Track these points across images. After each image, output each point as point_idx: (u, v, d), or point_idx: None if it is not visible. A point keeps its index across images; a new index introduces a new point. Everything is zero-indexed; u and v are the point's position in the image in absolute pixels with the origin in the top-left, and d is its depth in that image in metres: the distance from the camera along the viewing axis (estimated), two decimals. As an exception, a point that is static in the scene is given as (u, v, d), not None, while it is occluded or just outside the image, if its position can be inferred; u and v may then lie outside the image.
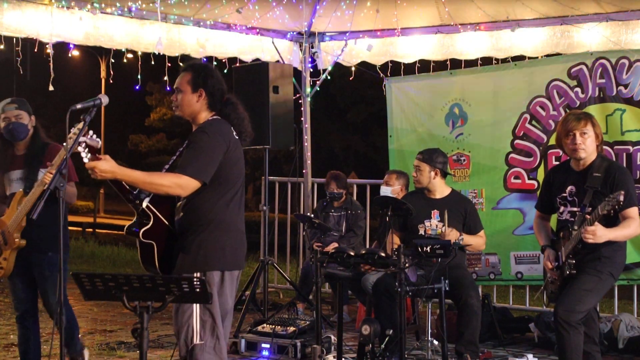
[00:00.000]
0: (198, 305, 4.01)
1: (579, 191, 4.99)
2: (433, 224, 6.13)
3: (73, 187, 5.26)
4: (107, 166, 3.88)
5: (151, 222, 4.06)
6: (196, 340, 4.02)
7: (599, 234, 4.78)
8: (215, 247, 4.10)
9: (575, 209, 5.01)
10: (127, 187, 4.04)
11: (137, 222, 4.09)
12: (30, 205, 5.01)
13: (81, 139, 3.94)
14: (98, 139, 4.01)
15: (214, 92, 4.19)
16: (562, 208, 5.10)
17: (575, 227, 4.92)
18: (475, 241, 6.15)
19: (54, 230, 4.95)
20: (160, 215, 4.10)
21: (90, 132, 3.98)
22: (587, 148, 4.96)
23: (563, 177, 5.12)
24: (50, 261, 5.23)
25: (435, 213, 6.14)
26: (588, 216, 4.81)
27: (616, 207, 4.70)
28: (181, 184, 3.98)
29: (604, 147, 6.81)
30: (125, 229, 4.11)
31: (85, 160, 3.91)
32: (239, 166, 4.21)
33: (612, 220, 4.88)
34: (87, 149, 3.94)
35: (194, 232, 4.09)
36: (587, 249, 4.88)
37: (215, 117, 4.21)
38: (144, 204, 4.05)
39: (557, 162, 7.13)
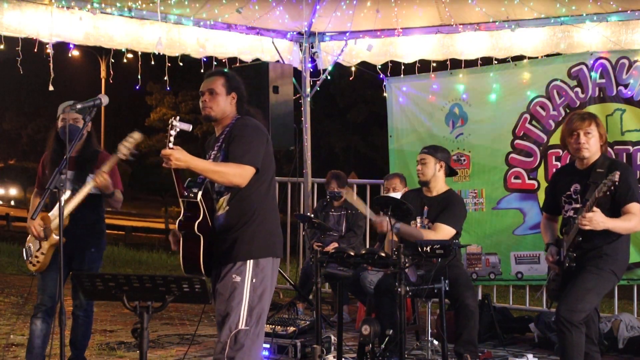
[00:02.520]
0: (248, 291, 4.16)
1: (582, 189, 5.00)
2: (424, 221, 6.12)
3: (120, 194, 5.44)
4: (181, 155, 4.06)
5: (201, 215, 4.20)
6: (241, 325, 4.13)
7: (596, 219, 4.74)
8: (267, 235, 4.31)
9: (578, 205, 5.00)
10: (181, 181, 4.22)
11: (188, 216, 4.21)
12: (73, 207, 5.18)
13: (174, 123, 4.10)
14: (189, 124, 4.18)
15: (242, 96, 4.45)
16: (566, 206, 5.10)
17: (577, 221, 4.91)
18: (411, 232, 5.90)
19: (98, 228, 5.51)
20: (206, 211, 4.23)
21: (178, 117, 4.15)
22: (591, 147, 4.97)
23: (568, 177, 5.13)
24: (91, 257, 5.44)
25: (426, 210, 6.14)
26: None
27: (612, 187, 4.65)
28: (242, 173, 4.17)
29: (605, 147, 6.87)
30: (177, 223, 4.23)
31: (170, 145, 4.05)
32: (273, 159, 4.44)
33: (614, 216, 4.87)
34: (176, 133, 4.08)
35: (245, 222, 4.25)
36: (588, 243, 4.87)
37: (241, 116, 4.42)
38: (199, 197, 4.18)
39: (557, 162, 7.14)
